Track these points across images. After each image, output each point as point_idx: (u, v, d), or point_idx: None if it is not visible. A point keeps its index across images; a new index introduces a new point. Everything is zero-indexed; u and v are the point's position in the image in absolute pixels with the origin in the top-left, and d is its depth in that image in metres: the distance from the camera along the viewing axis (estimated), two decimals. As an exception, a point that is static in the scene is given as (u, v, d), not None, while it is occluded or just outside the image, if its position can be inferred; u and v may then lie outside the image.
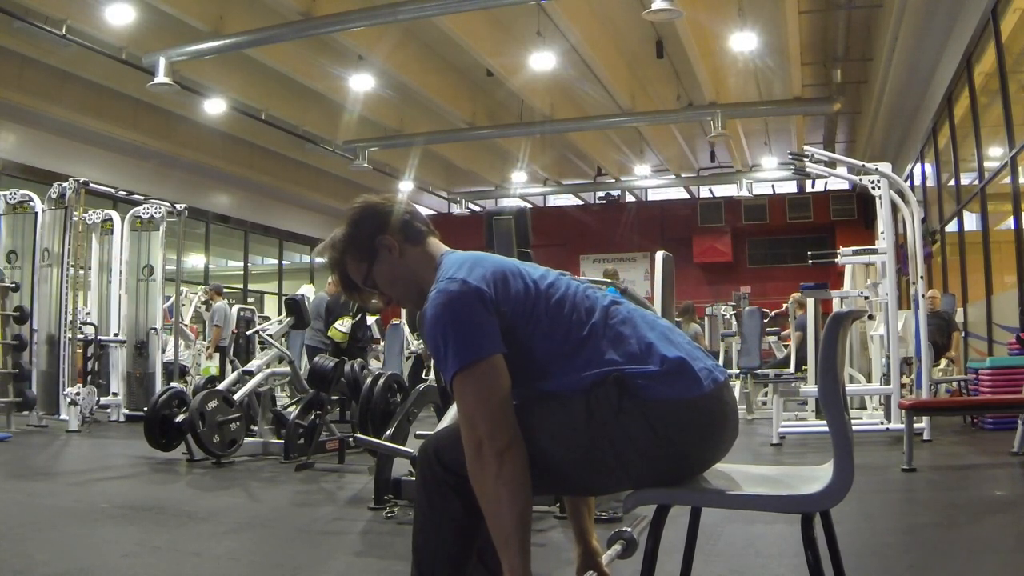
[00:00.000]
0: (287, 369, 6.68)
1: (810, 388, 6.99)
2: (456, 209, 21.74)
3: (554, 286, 1.79)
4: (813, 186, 19.52)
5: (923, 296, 6.62)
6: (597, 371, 1.67)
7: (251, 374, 6.17)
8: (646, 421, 1.62)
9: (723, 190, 20.35)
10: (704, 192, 21.25)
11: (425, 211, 22.69)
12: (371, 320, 9.73)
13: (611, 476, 1.67)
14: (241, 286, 18.40)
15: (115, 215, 9.06)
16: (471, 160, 17.54)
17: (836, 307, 7.86)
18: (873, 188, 7.07)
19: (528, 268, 1.84)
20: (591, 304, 1.78)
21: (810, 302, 7.75)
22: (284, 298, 9.44)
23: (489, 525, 1.61)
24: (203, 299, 11.95)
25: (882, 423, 6.66)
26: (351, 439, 5.20)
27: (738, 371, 9.36)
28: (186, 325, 11.63)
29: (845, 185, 17.47)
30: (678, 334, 1.78)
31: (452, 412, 4.10)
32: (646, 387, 1.63)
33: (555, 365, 1.71)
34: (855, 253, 7.55)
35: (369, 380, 5.46)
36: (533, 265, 1.88)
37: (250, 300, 17.38)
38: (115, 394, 8.66)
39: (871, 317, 7.61)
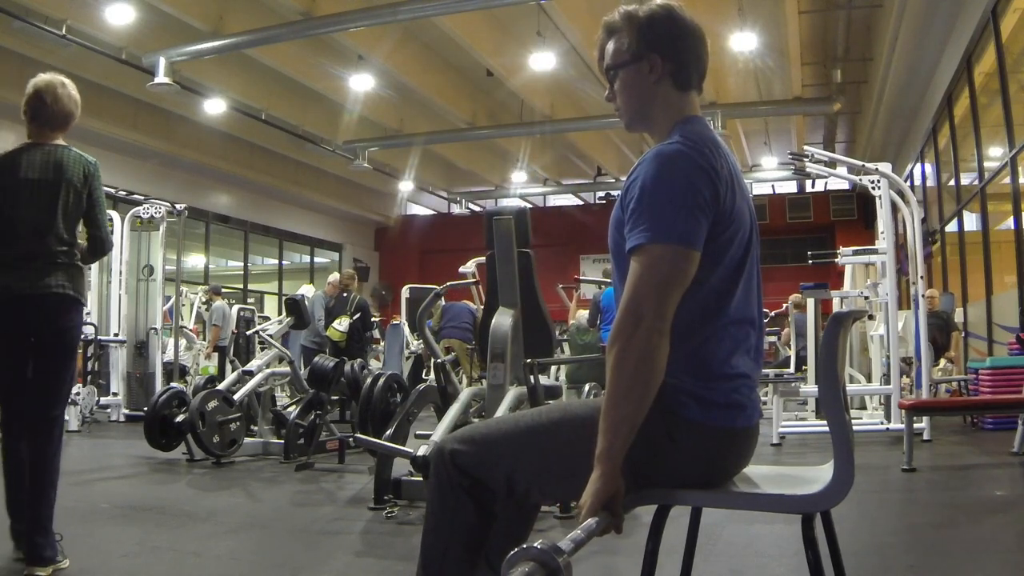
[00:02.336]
0: (287, 369, 6.69)
1: (810, 388, 7.00)
2: (456, 209, 21.74)
3: (752, 245, 1.65)
4: (813, 186, 19.53)
5: (923, 296, 6.63)
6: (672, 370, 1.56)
7: (251, 374, 6.17)
8: (668, 436, 1.58)
9: (723, 190, 20.34)
10: (704, 192, 21.24)
11: (425, 211, 22.79)
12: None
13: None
14: (241, 286, 18.40)
15: (115, 215, 9.04)
16: (471, 160, 17.54)
17: (836, 307, 7.87)
18: (873, 188, 7.07)
19: (752, 209, 1.68)
20: (756, 288, 1.65)
21: (810, 302, 7.76)
22: (284, 298, 9.44)
23: (611, 401, 1.48)
24: (204, 299, 11.96)
25: (882, 423, 6.67)
26: (351, 439, 5.21)
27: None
28: (189, 329, 11.62)
29: (845, 185, 17.47)
30: (755, 373, 1.68)
31: (452, 412, 4.10)
32: (683, 404, 1.58)
33: (683, 324, 1.55)
34: (855, 253, 7.56)
35: (369, 380, 5.47)
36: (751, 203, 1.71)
37: (250, 300, 17.37)
38: (115, 394, 8.66)
39: (871, 317, 7.61)
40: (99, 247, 3.05)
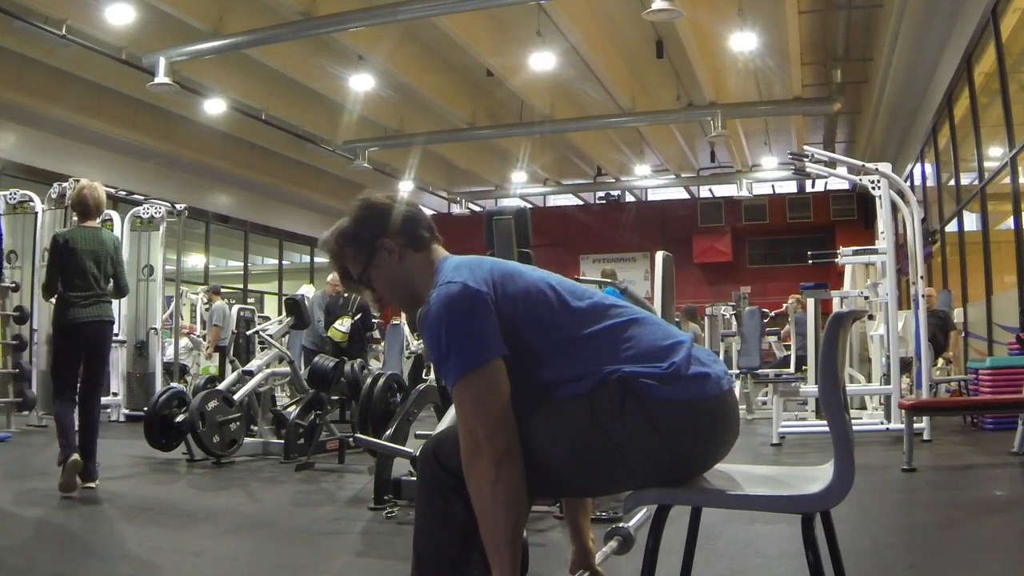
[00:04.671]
0: (287, 369, 6.68)
1: (810, 388, 6.99)
2: (456, 209, 21.74)
3: (559, 286, 1.79)
4: (813, 186, 19.52)
5: (923, 296, 6.62)
6: (602, 370, 1.66)
7: (251, 374, 6.17)
8: (649, 422, 1.61)
9: (723, 190, 20.35)
10: (704, 192, 21.26)
11: (425, 211, 22.76)
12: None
13: (613, 477, 1.66)
14: (241, 286, 18.40)
15: (115, 215, 9.05)
16: (471, 160, 17.53)
17: (836, 307, 7.86)
18: (873, 188, 7.07)
19: (528, 269, 1.85)
20: (598, 304, 1.78)
21: (810, 302, 7.75)
22: (284, 298, 9.43)
23: (482, 531, 1.60)
24: (205, 300, 11.97)
25: (882, 423, 6.66)
26: (351, 439, 5.20)
27: (738, 371, 9.37)
28: (198, 335, 11.60)
29: (845, 185, 17.47)
30: (687, 338, 1.77)
31: (452, 412, 4.10)
32: (650, 387, 1.63)
33: (557, 354, 1.70)
34: (855, 253, 7.55)
35: (369, 380, 5.47)
36: (533, 267, 1.89)
37: (250, 300, 17.37)
38: (115, 394, 8.65)
39: (871, 317, 7.61)
40: (121, 291, 4.85)
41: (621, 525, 1.82)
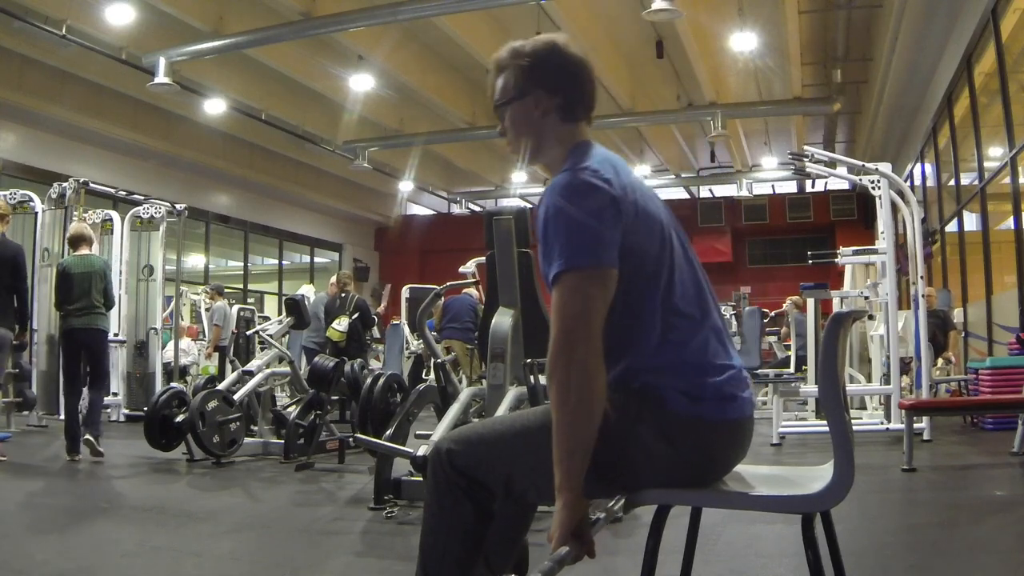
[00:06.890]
0: (287, 369, 6.68)
1: (810, 388, 6.99)
2: (456, 209, 21.73)
3: (671, 239, 1.69)
4: (813, 186, 19.51)
5: (923, 296, 6.63)
6: (633, 364, 1.60)
7: (251, 374, 6.17)
8: (663, 433, 1.58)
9: (723, 190, 20.33)
10: (704, 192, 21.24)
11: (425, 211, 22.79)
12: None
13: (617, 481, 1.64)
14: (241, 286, 18.39)
15: (115, 215, 9.05)
16: (471, 160, 17.53)
17: (836, 307, 7.87)
18: (873, 188, 7.08)
19: (660, 208, 1.72)
20: (693, 283, 1.68)
21: (810, 302, 7.76)
22: (284, 298, 9.43)
23: (559, 433, 1.50)
24: (207, 301, 11.97)
25: (882, 423, 6.67)
26: (351, 439, 5.20)
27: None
28: (207, 343, 11.60)
29: (845, 185, 17.47)
30: (739, 364, 1.70)
31: (453, 412, 4.10)
32: (672, 401, 1.59)
33: (623, 310, 1.59)
34: (855, 253, 7.56)
35: (369, 380, 5.47)
36: (664, 210, 1.74)
37: (250, 300, 17.36)
38: (115, 394, 8.65)
39: (871, 317, 7.61)
40: (110, 304, 6.00)
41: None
